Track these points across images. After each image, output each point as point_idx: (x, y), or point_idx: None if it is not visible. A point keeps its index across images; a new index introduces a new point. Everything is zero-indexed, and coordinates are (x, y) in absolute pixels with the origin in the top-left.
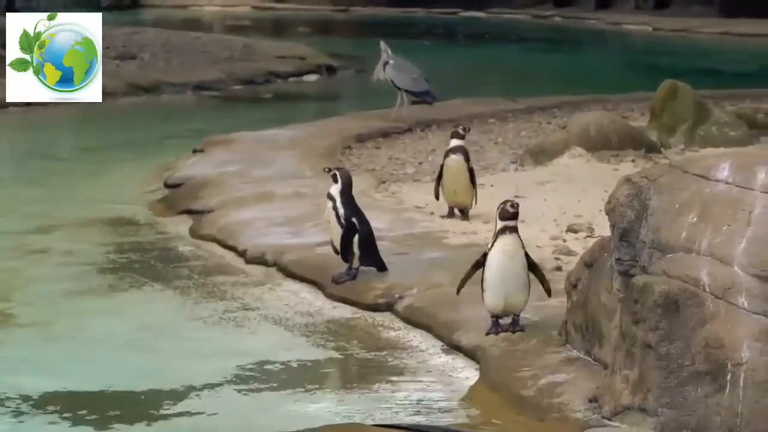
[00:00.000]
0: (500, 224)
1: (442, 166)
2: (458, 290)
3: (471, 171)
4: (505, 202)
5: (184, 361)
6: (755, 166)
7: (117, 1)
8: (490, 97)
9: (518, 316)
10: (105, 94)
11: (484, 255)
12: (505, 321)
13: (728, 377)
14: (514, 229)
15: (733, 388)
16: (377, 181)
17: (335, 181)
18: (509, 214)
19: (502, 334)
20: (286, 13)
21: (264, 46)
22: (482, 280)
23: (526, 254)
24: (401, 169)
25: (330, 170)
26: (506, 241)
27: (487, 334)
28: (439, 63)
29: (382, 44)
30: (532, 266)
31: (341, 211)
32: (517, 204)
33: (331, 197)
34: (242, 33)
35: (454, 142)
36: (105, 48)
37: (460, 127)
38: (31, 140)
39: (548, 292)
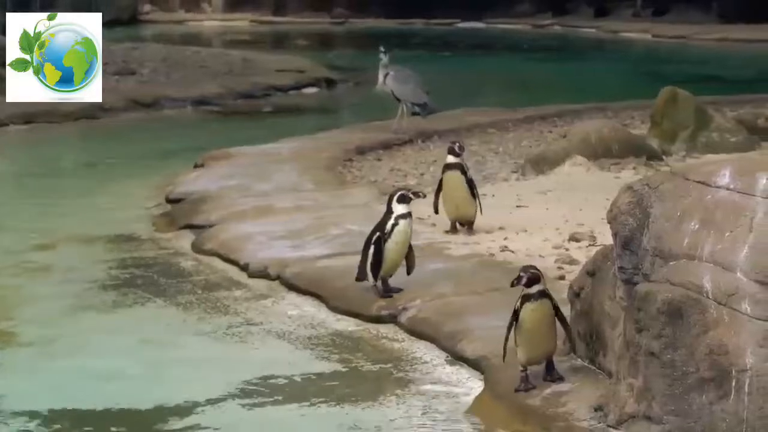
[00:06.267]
0: (525, 291)
1: (440, 181)
2: (504, 358)
3: (471, 182)
4: (534, 271)
5: (187, 376)
6: (756, 171)
7: (116, 17)
8: (490, 106)
9: (552, 360)
10: (104, 110)
11: (515, 313)
12: (538, 368)
13: (733, 384)
14: (540, 294)
15: (738, 395)
16: (379, 193)
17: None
18: (533, 281)
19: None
20: (285, 26)
21: (263, 60)
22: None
23: (557, 309)
24: (403, 180)
25: (417, 194)
26: (533, 306)
27: (516, 391)
28: (439, 73)
29: (381, 55)
30: (562, 322)
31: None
32: (538, 272)
33: (406, 216)
34: (241, 47)
35: (451, 159)
36: (105, 64)
37: (456, 144)
38: (32, 157)
39: (573, 349)
